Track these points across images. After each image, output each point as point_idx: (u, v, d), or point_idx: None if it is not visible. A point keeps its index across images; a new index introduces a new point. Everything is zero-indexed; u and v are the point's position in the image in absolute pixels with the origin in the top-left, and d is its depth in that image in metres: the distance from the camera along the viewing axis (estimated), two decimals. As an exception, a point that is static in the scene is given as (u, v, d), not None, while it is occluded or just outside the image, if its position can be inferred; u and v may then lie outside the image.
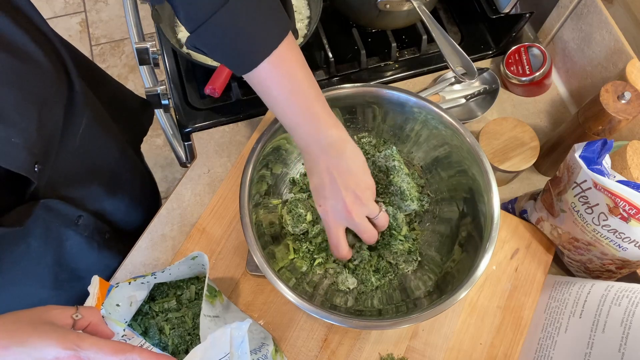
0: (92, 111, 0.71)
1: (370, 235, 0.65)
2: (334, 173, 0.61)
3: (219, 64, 0.83)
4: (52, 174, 0.62)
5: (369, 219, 0.65)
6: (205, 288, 0.61)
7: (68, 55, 0.66)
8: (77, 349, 0.43)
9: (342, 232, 0.65)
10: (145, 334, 0.65)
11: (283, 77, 0.57)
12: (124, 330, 0.57)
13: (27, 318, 0.44)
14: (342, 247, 0.65)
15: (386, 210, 0.70)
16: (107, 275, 0.76)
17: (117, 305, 0.60)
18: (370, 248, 0.74)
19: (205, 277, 0.67)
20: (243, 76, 0.58)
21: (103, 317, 0.53)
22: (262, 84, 0.58)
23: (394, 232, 0.72)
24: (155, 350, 0.52)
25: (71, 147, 0.66)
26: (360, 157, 0.63)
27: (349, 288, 0.71)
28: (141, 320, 0.66)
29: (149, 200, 0.93)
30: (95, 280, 0.58)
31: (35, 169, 0.55)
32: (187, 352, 0.66)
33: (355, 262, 0.73)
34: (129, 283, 0.61)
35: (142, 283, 0.64)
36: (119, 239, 0.78)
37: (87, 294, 0.58)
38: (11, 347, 0.42)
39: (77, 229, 0.68)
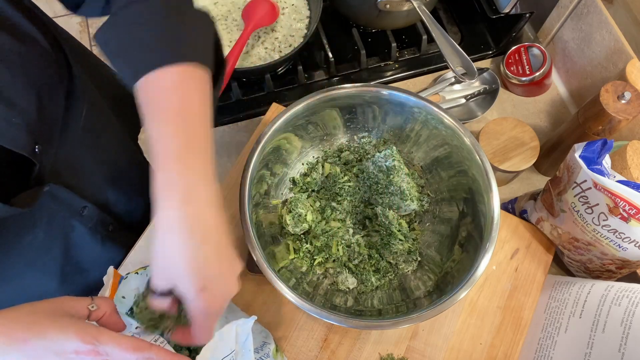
0: (92, 99, 0.71)
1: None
2: (210, 241, 0.47)
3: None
4: (55, 162, 0.62)
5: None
6: None
7: (67, 43, 0.66)
8: (97, 343, 0.42)
9: None
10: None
11: (182, 95, 0.49)
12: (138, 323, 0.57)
13: (44, 310, 0.43)
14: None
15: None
16: None
17: (123, 297, 0.60)
18: (370, 247, 0.74)
19: None
20: (139, 83, 0.50)
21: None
22: (154, 95, 0.49)
23: (392, 229, 0.72)
24: (169, 348, 0.52)
25: (73, 134, 0.66)
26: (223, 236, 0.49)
27: (348, 288, 0.71)
28: None
29: (149, 192, 0.93)
30: (111, 271, 0.57)
31: (36, 150, 0.54)
32: (188, 349, 0.66)
33: (355, 262, 0.73)
34: (137, 273, 0.61)
35: (148, 275, 0.63)
36: (122, 232, 0.78)
37: (91, 288, 0.57)
38: (30, 340, 0.41)
39: (82, 219, 0.68)
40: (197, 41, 0.53)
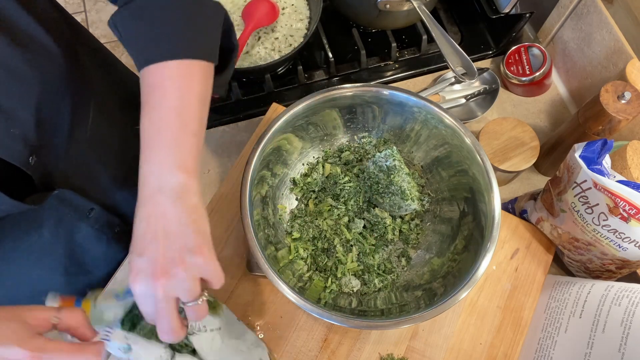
0: (102, 99, 0.70)
1: (165, 328, 0.47)
2: (161, 221, 0.47)
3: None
4: (64, 165, 0.62)
5: (182, 303, 0.48)
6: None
7: (79, 41, 0.65)
8: (40, 354, 0.43)
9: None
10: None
11: (179, 89, 0.50)
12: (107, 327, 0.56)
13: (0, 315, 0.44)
14: (168, 327, 0.47)
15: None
16: (114, 269, 0.76)
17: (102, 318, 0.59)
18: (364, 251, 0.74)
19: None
20: (142, 71, 0.52)
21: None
22: (153, 85, 0.50)
23: (387, 237, 0.72)
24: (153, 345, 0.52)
25: (82, 137, 0.66)
26: (204, 218, 0.50)
27: (352, 290, 0.71)
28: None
29: None
30: (56, 298, 0.54)
31: (30, 161, 0.54)
32: (186, 345, 0.64)
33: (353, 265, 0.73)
34: (118, 295, 0.58)
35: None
36: (129, 233, 0.78)
37: (94, 286, 0.57)
38: None
39: (88, 221, 0.68)
40: (204, 35, 0.54)
